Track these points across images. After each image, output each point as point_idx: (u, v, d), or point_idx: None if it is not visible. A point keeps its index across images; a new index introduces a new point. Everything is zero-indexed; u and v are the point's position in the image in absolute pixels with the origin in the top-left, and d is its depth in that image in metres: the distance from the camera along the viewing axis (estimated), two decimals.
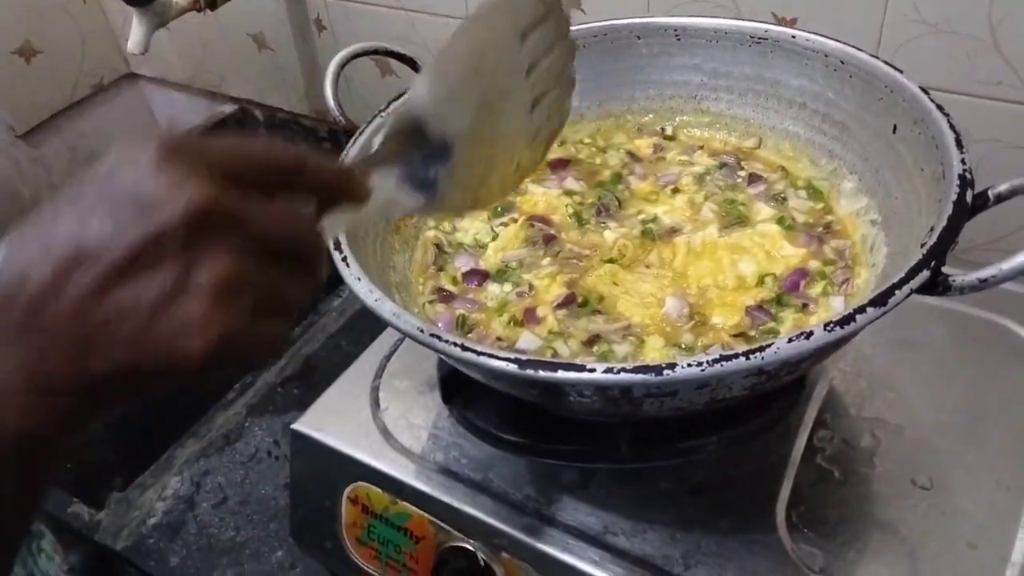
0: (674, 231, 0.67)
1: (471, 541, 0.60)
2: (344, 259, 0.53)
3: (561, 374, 0.44)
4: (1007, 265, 0.45)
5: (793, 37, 0.66)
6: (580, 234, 0.68)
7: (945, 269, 0.46)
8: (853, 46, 0.63)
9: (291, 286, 0.34)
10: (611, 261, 0.64)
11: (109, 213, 0.31)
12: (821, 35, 0.65)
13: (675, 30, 0.71)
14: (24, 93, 1.35)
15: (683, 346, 0.57)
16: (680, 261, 0.64)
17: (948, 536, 0.55)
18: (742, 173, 0.71)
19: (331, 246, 0.52)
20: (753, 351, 0.43)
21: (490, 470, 0.62)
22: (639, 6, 0.90)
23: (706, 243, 0.64)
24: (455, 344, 0.47)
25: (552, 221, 0.69)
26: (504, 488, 0.61)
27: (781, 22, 0.82)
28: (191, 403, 0.93)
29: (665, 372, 0.43)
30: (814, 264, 0.62)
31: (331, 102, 0.69)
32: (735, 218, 0.67)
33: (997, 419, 0.62)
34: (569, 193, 0.72)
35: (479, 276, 0.66)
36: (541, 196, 0.71)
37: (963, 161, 0.50)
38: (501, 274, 0.66)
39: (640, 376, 0.43)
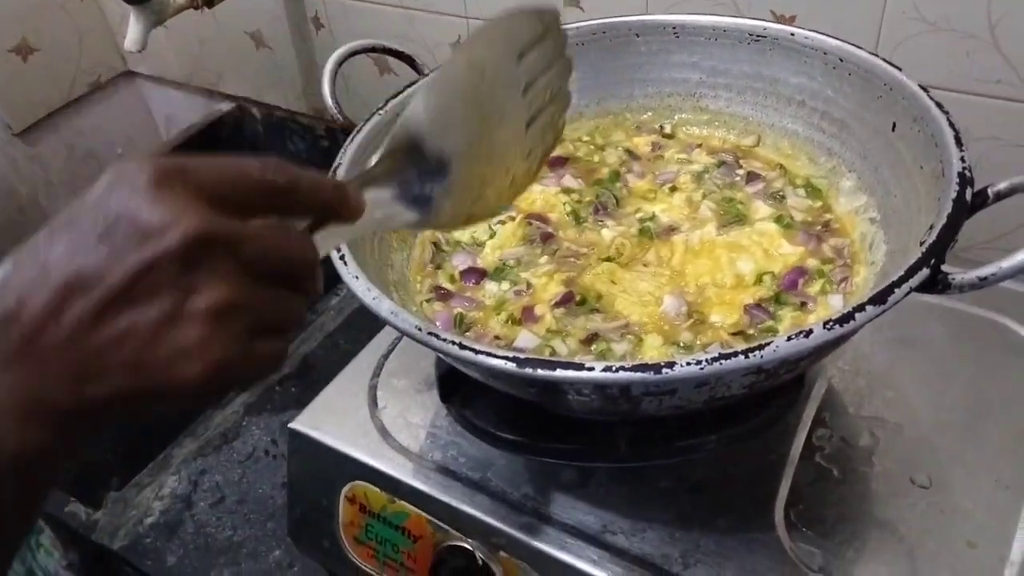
0: (672, 229, 0.66)
1: (469, 540, 0.60)
2: (342, 257, 0.53)
3: (559, 373, 0.44)
4: (1007, 263, 0.45)
5: (792, 35, 0.66)
6: (578, 232, 0.68)
7: (944, 267, 0.46)
8: (852, 44, 0.63)
9: (287, 305, 0.35)
10: (609, 259, 0.64)
11: (106, 239, 0.31)
12: (820, 33, 0.65)
13: (674, 28, 0.71)
14: (21, 91, 1.35)
15: (682, 344, 0.57)
16: (678, 259, 0.64)
17: (947, 535, 0.55)
18: (740, 171, 0.71)
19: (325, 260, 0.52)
20: (752, 349, 0.43)
21: (488, 469, 0.62)
22: (638, 4, 0.90)
23: (704, 241, 0.64)
24: (453, 342, 0.46)
25: (550, 219, 0.69)
26: (502, 487, 0.61)
27: (780, 20, 0.82)
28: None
29: (664, 371, 0.43)
30: (813, 262, 0.62)
31: (329, 100, 0.69)
32: (733, 216, 0.67)
33: (996, 418, 0.61)
34: (567, 191, 0.72)
35: (477, 274, 0.65)
36: (539, 194, 0.71)
37: (963, 159, 0.50)
38: (499, 272, 0.65)
39: (639, 375, 0.43)
